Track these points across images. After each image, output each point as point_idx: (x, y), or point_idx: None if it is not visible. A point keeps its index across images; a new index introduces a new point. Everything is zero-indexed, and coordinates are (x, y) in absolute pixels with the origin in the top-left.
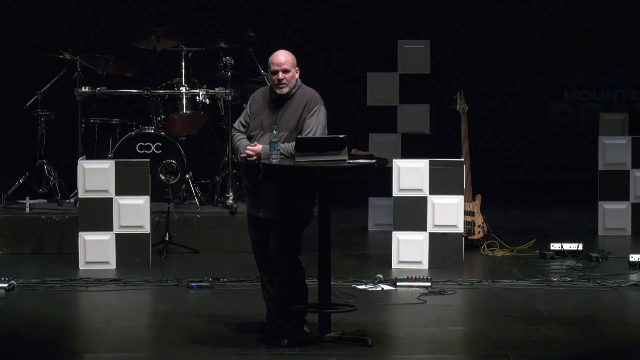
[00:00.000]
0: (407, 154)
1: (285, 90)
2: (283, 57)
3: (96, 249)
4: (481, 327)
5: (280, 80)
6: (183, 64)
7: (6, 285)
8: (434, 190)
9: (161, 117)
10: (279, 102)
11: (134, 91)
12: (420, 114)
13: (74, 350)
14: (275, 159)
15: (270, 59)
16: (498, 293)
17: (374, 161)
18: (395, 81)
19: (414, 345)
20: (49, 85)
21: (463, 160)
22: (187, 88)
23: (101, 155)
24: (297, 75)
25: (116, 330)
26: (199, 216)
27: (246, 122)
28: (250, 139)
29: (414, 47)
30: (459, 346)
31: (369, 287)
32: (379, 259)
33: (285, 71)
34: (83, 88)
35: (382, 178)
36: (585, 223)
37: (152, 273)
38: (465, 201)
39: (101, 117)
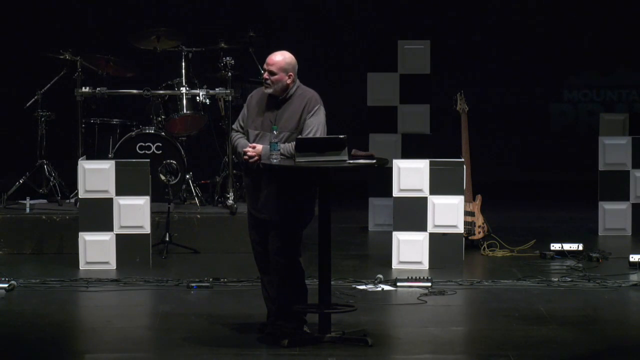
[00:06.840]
0: (407, 154)
1: (269, 91)
2: (275, 57)
3: (96, 249)
4: (481, 327)
5: (265, 80)
6: (183, 64)
7: (6, 285)
8: (434, 190)
9: (161, 117)
10: (278, 102)
11: (134, 91)
12: (420, 114)
13: (74, 350)
14: (275, 159)
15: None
16: (498, 293)
17: (374, 161)
18: (395, 81)
19: (414, 345)
20: (49, 85)
21: (463, 160)
22: (187, 88)
23: (101, 155)
24: (289, 81)
25: (116, 330)
26: (199, 216)
27: (243, 122)
28: (250, 139)
29: (414, 47)
30: (459, 346)
31: (369, 287)
32: (379, 259)
33: (271, 72)
34: (83, 88)
35: (382, 178)
36: (585, 223)
37: (152, 273)
38: (465, 201)
39: (101, 117)
